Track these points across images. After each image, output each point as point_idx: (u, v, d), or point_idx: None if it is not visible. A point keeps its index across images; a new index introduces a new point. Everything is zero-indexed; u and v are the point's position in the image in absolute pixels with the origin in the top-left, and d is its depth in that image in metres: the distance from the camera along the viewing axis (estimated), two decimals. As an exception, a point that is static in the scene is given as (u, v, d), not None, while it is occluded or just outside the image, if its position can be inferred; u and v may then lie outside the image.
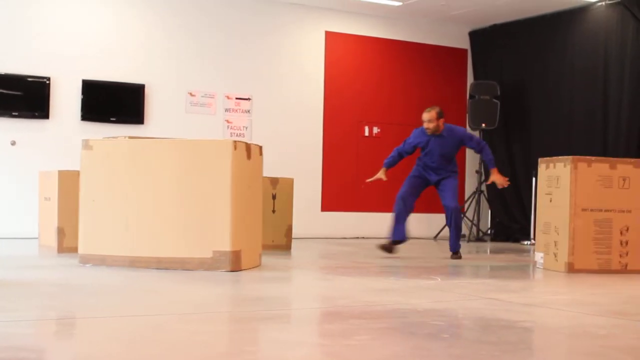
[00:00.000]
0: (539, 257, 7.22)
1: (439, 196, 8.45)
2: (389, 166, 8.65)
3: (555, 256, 6.94)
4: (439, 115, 8.26)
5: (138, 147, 6.33)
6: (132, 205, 6.22)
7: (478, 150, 8.46)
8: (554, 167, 7.04)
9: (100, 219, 6.31)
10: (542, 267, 7.10)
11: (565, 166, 6.89)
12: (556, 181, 7.00)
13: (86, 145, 6.39)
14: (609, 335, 3.72)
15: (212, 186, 6.03)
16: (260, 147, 6.63)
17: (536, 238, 7.39)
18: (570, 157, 6.87)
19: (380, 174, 8.59)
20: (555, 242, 6.96)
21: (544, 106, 11.41)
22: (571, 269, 6.74)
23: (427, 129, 8.24)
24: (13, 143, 9.53)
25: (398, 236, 8.25)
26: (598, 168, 6.89)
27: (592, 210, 6.84)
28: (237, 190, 6.06)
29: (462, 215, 8.48)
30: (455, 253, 8.18)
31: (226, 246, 5.98)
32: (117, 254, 6.19)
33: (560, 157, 7.08)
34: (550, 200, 7.07)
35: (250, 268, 6.28)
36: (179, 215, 6.11)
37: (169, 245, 6.09)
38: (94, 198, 6.33)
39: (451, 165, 8.42)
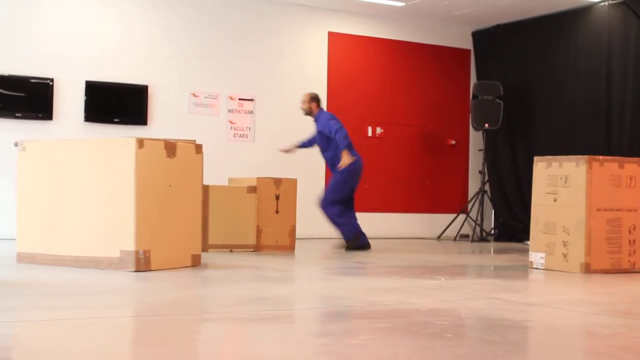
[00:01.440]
0: (537, 257, 7.13)
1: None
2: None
3: (565, 257, 6.85)
4: (312, 99, 8.94)
5: (61, 148, 6.43)
6: (55, 204, 6.30)
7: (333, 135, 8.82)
8: (560, 166, 6.96)
9: (32, 218, 6.41)
10: (542, 268, 7.01)
11: (578, 166, 6.80)
12: (564, 180, 6.92)
13: (21, 146, 6.53)
14: (614, 335, 3.70)
15: (118, 185, 6.01)
16: (198, 146, 6.46)
17: (532, 237, 7.26)
18: (585, 157, 6.79)
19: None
20: (564, 243, 6.87)
21: (547, 106, 11.39)
22: (588, 269, 6.66)
23: (303, 109, 8.96)
24: (16, 144, 9.52)
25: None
26: (609, 167, 6.86)
27: (605, 210, 6.81)
28: (144, 189, 5.97)
29: (328, 212, 8.86)
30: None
31: (131, 246, 5.90)
32: (45, 253, 6.26)
33: (569, 156, 7.00)
34: (555, 200, 7.00)
35: (171, 268, 6.13)
36: (93, 214, 6.12)
37: (85, 244, 6.10)
38: (27, 198, 6.44)
39: (331, 151, 8.87)
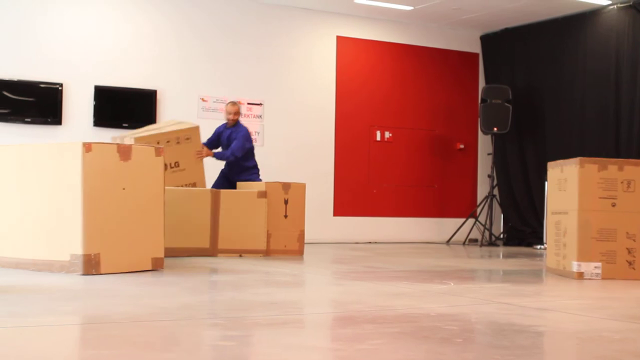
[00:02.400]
0: (590, 267, 6.53)
1: None
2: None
3: (631, 264, 6.54)
4: (238, 112, 9.11)
5: (13, 153, 6.51)
6: (9, 208, 6.40)
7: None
8: (621, 169, 6.58)
9: None
10: (598, 278, 6.50)
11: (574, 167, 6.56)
12: (626, 185, 6.56)
13: None
14: (623, 340, 3.69)
15: (67, 189, 6.03)
16: (158, 149, 6.43)
17: (580, 246, 6.57)
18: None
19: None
20: (629, 250, 6.57)
21: (556, 109, 11.38)
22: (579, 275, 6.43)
23: (229, 120, 9.02)
24: None
25: None
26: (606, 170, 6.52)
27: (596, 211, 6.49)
28: (93, 193, 5.97)
29: None
30: None
31: (79, 249, 5.91)
32: (5, 256, 6.34)
33: (630, 159, 6.72)
34: (614, 205, 6.55)
35: (127, 272, 6.11)
36: (45, 218, 6.15)
37: (40, 248, 6.14)
38: None
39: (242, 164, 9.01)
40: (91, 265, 5.92)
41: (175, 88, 10.48)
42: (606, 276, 6.46)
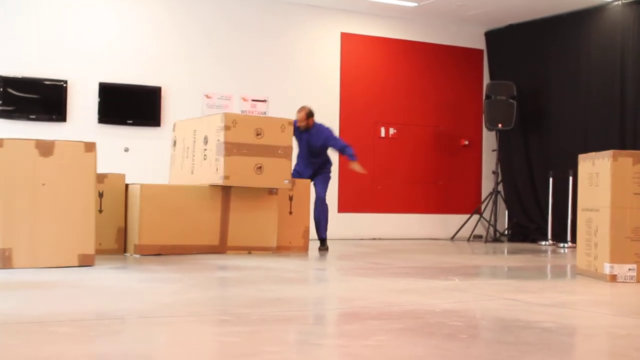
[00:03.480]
0: (624, 269, 6.08)
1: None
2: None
3: (596, 259, 6.19)
4: (308, 116, 8.96)
5: None
6: None
7: (339, 150, 9.13)
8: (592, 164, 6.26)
9: None
10: (632, 281, 6.08)
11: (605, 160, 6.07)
12: (596, 178, 6.21)
13: None
14: (629, 336, 3.69)
15: None
16: (89, 144, 6.42)
17: (613, 247, 6.11)
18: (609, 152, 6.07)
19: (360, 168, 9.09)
20: (596, 244, 6.21)
21: (561, 106, 11.37)
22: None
23: (300, 125, 8.92)
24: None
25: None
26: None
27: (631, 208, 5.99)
28: (5, 188, 6.01)
29: (327, 207, 8.99)
30: (322, 241, 8.91)
31: None
32: None
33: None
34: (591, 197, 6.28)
35: (48, 267, 6.13)
36: None
37: None
38: None
39: (321, 161, 9.09)
40: (2, 260, 5.96)
41: (180, 85, 10.49)
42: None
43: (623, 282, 5.96)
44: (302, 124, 8.93)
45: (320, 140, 9.02)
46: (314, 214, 8.90)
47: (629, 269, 6.00)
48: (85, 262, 6.35)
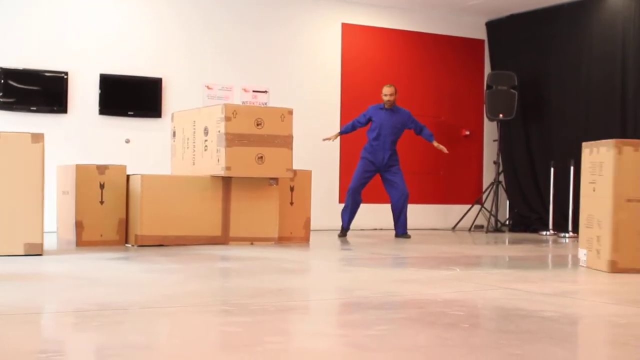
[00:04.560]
0: (582, 254, 6.34)
1: (386, 186, 9.84)
2: (342, 132, 10.07)
3: (598, 253, 6.06)
4: (396, 92, 9.76)
5: None
6: None
7: (418, 130, 9.92)
8: (598, 152, 6.13)
9: None
10: (585, 266, 6.27)
11: (608, 151, 5.95)
12: (600, 168, 6.08)
13: None
14: (629, 324, 3.70)
15: None
16: (36, 135, 6.54)
17: (580, 233, 6.51)
18: (613, 141, 5.94)
19: (334, 136, 10.03)
20: (597, 237, 6.08)
21: (562, 96, 11.36)
22: (614, 268, 5.89)
23: (388, 101, 9.61)
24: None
25: (347, 225, 9.76)
26: None
27: (638, 201, 5.91)
28: None
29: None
30: (405, 233, 9.72)
31: None
32: None
33: (603, 140, 6.13)
34: (594, 190, 6.18)
35: None
36: None
37: None
38: None
39: (395, 152, 9.76)
40: None
41: (181, 76, 10.48)
42: (589, 265, 6.23)
43: (582, 266, 6.30)
44: (392, 99, 9.60)
45: (404, 118, 9.72)
46: (398, 208, 9.67)
47: (584, 254, 6.32)
48: (32, 251, 6.46)
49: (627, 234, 5.91)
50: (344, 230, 9.75)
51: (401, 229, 9.71)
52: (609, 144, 5.99)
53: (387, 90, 9.62)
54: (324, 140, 9.89)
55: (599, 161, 6.11)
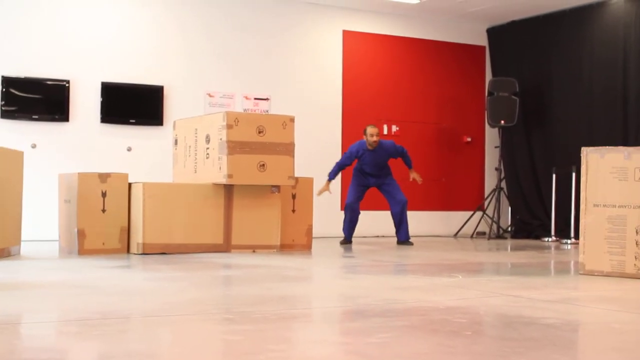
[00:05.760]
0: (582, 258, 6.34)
1: (386, 196, 9.93)
2: (332, 178, 9.86)
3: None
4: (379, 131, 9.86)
5: None
6: None
7: (402, 157, 9.99)
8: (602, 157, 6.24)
9: None
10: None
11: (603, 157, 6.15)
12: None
13: None
14: (634, 331, 3.69)
15: None
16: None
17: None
18: (585, 148, 6.22)
19: (327, 187, 9.79)
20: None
21: (564, 102, 11.36)
22: (582, 269, 6.20)
23: (374, 141, 9.61)
24: (33, 146, 9.59)
25: (349, 237, 9.90)
26: (611, 159, 6.08)
27: (604, 206, 6.11)
28: None
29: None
30: (408, 240, 9.76)
31: None
32: None
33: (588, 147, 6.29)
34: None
35: None
36: None
37: None
38: None
39: (385, 170, 9.93)
40: None
41: (182, 84, 10.49)
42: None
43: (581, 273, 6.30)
44: (378, 139, 9.66)
45: (390, 151, 9.80)
46: (398, 217, 9.76)
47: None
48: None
49: (593, 238, 6.21)
50: (347, 240, 9.89)
51: (403, 236, 9.77)
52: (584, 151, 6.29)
53: (372, 130, 9.63)
54: (320, 193, 9.66)
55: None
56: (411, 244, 9.67)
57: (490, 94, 11.70)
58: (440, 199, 12.30)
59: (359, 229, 11.30)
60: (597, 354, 3.20)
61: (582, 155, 6.26)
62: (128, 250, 7.83)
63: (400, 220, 9.75)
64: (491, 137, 12.50)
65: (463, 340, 3.34)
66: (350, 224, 9.82)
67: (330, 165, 11.25)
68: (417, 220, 11.96)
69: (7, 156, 7.35)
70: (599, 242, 6.16)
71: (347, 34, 11.60)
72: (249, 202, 8.14)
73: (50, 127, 9.76)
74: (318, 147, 11.18)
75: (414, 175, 10.03)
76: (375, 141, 9.58)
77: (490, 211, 11.83)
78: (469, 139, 12.44)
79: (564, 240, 10.56)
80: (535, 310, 4.22)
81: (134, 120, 10.17)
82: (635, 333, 3.65)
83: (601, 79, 10.78)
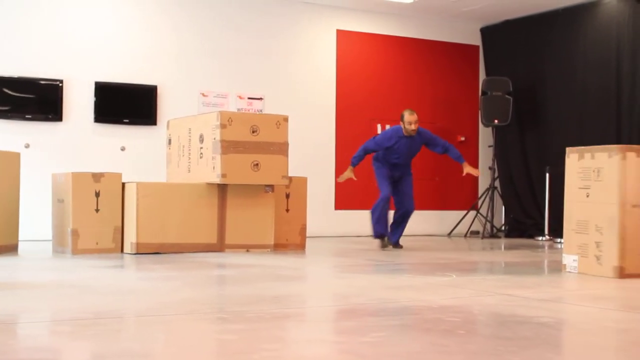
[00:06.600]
0: (570, 260, 6.42)
1: (395, 193, 9.08)
2: (357, 164, 9.07)
3: (598, 259, 6.12)
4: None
5: None
6: None
7: (442, 151, 9.20)
8: (592, 157, 6.23)
9: None
10: (576, 272, 6.32)
11: (611, 157, 6.06)
12: (597, 173, 6.21)
13: None
14: (628, 330, 3.70)
15: None
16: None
17: (566, 238, 6.62)
18: (618, 146, 6.08)
19: (350, 173, 9.05)
20: (597, 243, 6.17)
21: (557, 101, 11.37)
22: (622, 274, 5.94)
23: (412, 130, 8.76)
24: (27, 146, 9.57)
25: (385, 230, 8.89)
26: None
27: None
28: None
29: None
30: (397, 243, 9.00)
31: None
32: None
33: (601, 146, 6.30)
34: (588, 196, 6.30)
35: None
36: None
37: None
38: None
39: (409, 164, 9.18)
40: None
41: (176, 83, 10.47)
42: (582, 270, 6.28)
43: (570, 272, 6.35)
44: (417, 127, 8.84)
45: (425, 138, 9.03)
46: (398, 221, 9.07)
47: (573, 260, 6.41)
48: None
49: (633, 240, 6.01)
50: (386, 238, 8.89)
51: (395, 238, 9.01)
52: (611, 150, 6.10)
53: (411, 118, 8.76)
54: (342, 179, 9.11)
55: (596, 167, 6.21)
56: (400, 247, 8.96)
57: (484, 93, 11.70)
58: (434, 198, 12.30)
59: (351, 228, 11.32)
60: (590, 353, 3.21)
61: (609, 153, 6.09)
62: (122, 250, 7.82)
63: (399, 224, 9.07)
64: (485, 136, 12.51)
65: (456, 339, 3.35)
66: (383, 219, 8.80)
67: (324, 165, 11.26)
68: (411, 220, 11.94)
69: (4, 158, 7.38)
70: (638, 245, 6.06)
71: (340, 34, 11.60)
72: (243, 201, 8.14)
73: (44, 126, 9.74)
74: (312, 146, 11.17)
75: (468, 169, 9.14)
76: (414, 130, 8.75)
77: (483, 210, 11.84)
78: (462, 138, 12.45)
79: (558, 240, 10.57)
80: (528, 309, 4.23)
81: (127, 120, 10.15)
82: (627, 332, 3.66)
83: (594, 78, 10.79)
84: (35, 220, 9.30)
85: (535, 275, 6.34)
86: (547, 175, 11.00)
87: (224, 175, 7.86)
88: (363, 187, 11.51)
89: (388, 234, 8.89)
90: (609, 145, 6.25)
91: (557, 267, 6.88)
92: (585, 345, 3.40)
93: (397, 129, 8.89)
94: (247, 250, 8.08)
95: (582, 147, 6.48)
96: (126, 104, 10.20)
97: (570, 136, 10.80)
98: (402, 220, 9.11)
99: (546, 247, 9.76)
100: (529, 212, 11.79)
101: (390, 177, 9.01)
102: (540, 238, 11.01)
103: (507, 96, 11.56)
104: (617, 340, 3.45)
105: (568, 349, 3.35)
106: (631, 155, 6.05)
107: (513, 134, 12.00)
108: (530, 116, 11.83)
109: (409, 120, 8.75)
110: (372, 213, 8.87)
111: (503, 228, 12.11)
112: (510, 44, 12.10)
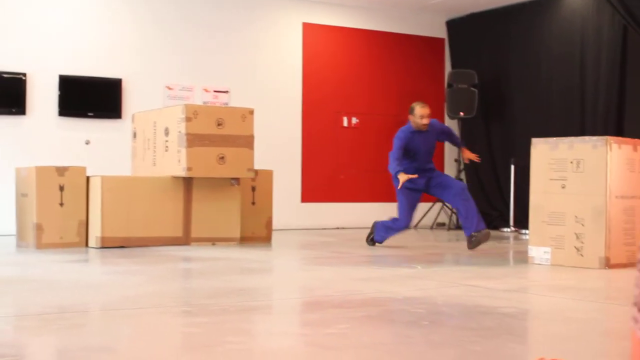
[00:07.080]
0: (540, 252, 6.41)
1: (438, 193, 8.21)
2: (402, 169, 7.96)
3: (579, 250, 6.15)
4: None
5: None
6: None
7: (452, 139, 8.73)
8: (571, 148, 6.23)
9: None
10: (548, 264, 6.32)
11: (595, 148, 6.06)
12: (576, 165, 6.20)
13: None
14: (588, 320, 3.74)
15: None
16: None
17: (532, 230, 6.62)
18: (604, 138, 6.08)
19: (405, 176, 7.77)
20: (577, 235, 6.18)
21: (522, 93, 11.45)
22: (607, 264, 6.01)
23: (424, 125, 8.03)
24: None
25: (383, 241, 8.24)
26: (625, 150, 6.15)
27: (622, 197, 6.12)
28: None
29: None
30: (482, 230, 7.73)
31: None
32: None
33: (583, 137, 6.31)
34: (563, 187, 6.27)
35: None
36: None
37: None
38: None
39: (431, 162, 8.37)
40: None
41: (141, 77, 10.41)
42: (555, 262, 6.28)
43: (539, 264, 6.34)
44: (428, 123, 8.08)
45: (437, 129, 8.31)
46: (464, 206, 7.85)
47: (544, 252, 6.40)
48: None
49: (617, 231, 6.10)
50: (378, 242, 8.27)
51: (474, 227, 7.75)
52: (595, 141, 6.13)
53: (423, 112, 8.04)
54: (404, 180, 7.79)
55: (575, 158, 6.22)
56: (487, 232, 7.76)
57: (449, 85, 11.76)
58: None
59: (318, 221, 11.35)
60: (552, 342, 3.24)
61: (593, 144, 6.12)
62: (86, 244, 7.77)
63: (467, 209, 7.85)
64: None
65: (421, 330, 3.37)
66: (390, 236, 8.20)
67: (290, 158, 11.25)
68: (377, 212, 12.00)
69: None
70: (620, 236, 6.17)
71: (307, 27, 11.60)
72: (209, 194, 8.12)
73: (7, 120, 9.65)
74: (278, 139, 11.16)
75: (467, 154, 8.45)
76: (425, 124, 8.01)
77: (449, 202, 11.89)
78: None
79: (523, 231, 10.66)
80: (492, 299, 4.27)
81: (92, 114, 10.08)
82: (590, 322, 3.70)
83: (559, 71, 10.88)
84: (-1, 214, 9.22)
85: (500, 266, 6.38)
86: (512, 167, 11.08)
87: (189, 169, 7.83)
88: (329, 180, 11.54)
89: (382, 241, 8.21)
90: (592, 137, 6.24)
91: (523, 259, 6.93)
92: (547, 334, 3.44)
93: (404, 128, 8.18)
94: (213, 244, 8.07)
95: (559, 138, 6.44)
96: (91, 98, 10.12)
97: (535, 128, 10.87)
98: (466, 203, 7.89)
99: (511, 239, 9.83)
100: (494, 204, 11.87)
101: (416, 191, 8.16)
102: (505, 229, 11.09)
103: (472, 89, 11.63)
104: (580, 330, 3.49)
105: (531, 339, 3.38)
106: (615, 146, 6.11)
107: (478, 126, 12.07)
108: (496, 108, 11.90)
109: (421, 113, 8.00)
110: (385, 229, 8.20)
111: (469, 220, 12.16)
112: (475, 36, 12.16)
